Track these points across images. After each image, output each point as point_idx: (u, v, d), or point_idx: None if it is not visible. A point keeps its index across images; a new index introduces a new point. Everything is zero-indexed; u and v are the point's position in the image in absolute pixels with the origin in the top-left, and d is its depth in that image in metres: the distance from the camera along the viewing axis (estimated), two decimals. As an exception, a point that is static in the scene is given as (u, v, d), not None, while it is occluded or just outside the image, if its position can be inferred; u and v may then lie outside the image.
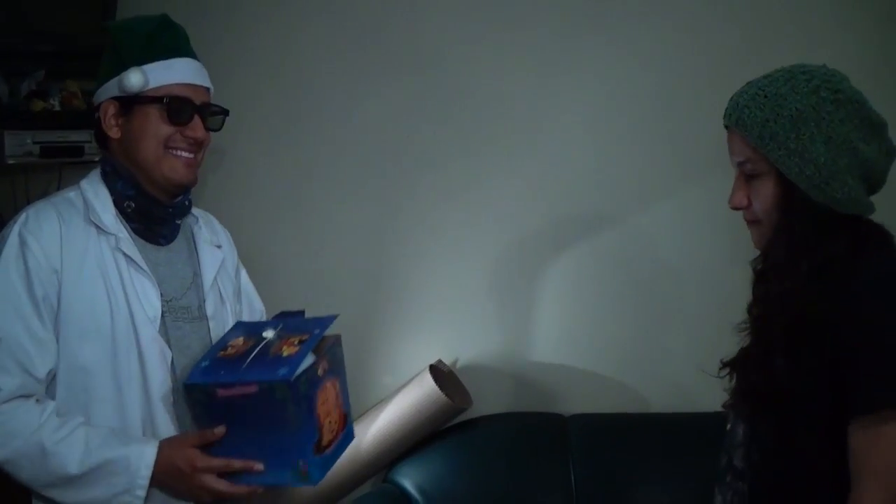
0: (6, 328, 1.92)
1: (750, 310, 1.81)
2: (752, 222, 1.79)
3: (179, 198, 2.14)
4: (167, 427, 2.00)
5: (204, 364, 1.89)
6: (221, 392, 1.81)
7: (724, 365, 1.86)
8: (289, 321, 2.01)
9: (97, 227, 2.03)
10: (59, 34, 2.96)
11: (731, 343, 1.83)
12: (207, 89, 2.12)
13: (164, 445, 1.94)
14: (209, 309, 2.17)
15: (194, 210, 2.25)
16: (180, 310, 2.12)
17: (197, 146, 2.09)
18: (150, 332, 2.03)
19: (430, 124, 3.29)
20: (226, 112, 2.17)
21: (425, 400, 3.02)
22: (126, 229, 2.07)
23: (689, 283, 3.18)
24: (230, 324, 2.22)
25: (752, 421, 1.76)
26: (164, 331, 2.06)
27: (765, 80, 1.73)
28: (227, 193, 3.33)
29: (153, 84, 2.03)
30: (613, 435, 3.08)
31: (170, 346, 2.06)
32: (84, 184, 2.10)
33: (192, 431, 1.97)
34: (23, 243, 1.95)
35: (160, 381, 2.00)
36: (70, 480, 1.92)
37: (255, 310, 2.40)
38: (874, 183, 1.72)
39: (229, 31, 3.32)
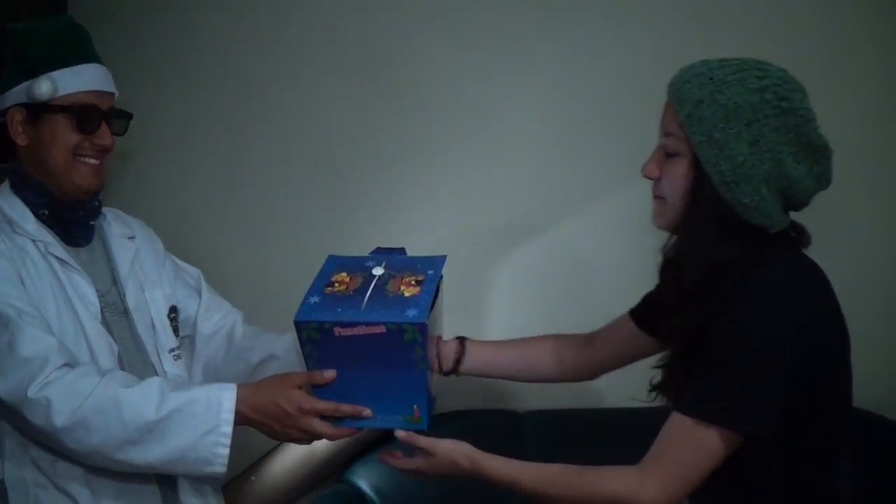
0: (18, 303, 1.94)
1: (665, 310, 1.84)
2: (658, 198, 1.79)
3: (89, 201, 2.17)
4: None
5: (313, 300, 1.84)
6: (340, 331, 1.77)
7: (653, 388, 1.89)
8: (392, 258, 1.99)
9: (22, 236, 2.05)
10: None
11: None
12: (112, 94, 2.15)
13: (266, 384, 1.95)
14: (130, 302, 2.21)
15: (102, 209, 2.27)
16: (111, 305, 2.16)
17: (104, 152, 2.12)
18: (95, 327, 2.07)
19: (378, 122, 3.28)
20: (130, 116, 2.20)
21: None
22: (50, 234, 2.09)
23: (642, 279, 3.19)
24: (162, 309, 2.28)
25: None
26: (107, 325, 2.11)
27: (719, 62, 1.71)
28: (172, 196, 3.33)
29: (62, 92, 2.05)
30: (569, 431, 3.10)
31: (115, 340, 2.10)
32: None
33: (299, 372, 1.97)
34: None
35: None
36: (149, 429, 1.89)
37: (192, 277, 2.46)
38: (795, 203, 1.72)
39: (175, 30, 3.32)
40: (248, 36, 3.32)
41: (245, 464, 3.10)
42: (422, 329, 1.75)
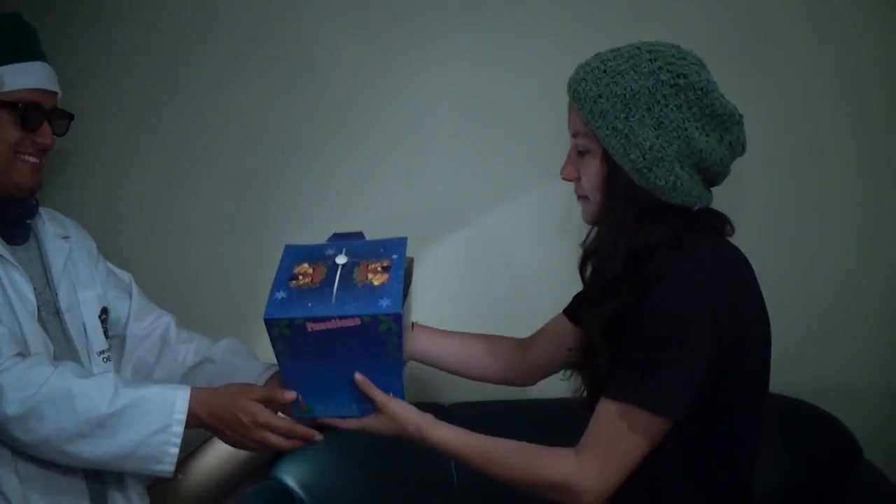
0: None
1: (584, 299, 1.87)
2: (581, 198, 1.80)
3: (27, 199, 2.13)
4: None
5: (279, 295, 1.79)
6: (312, 326, 1.73)
7: (567, 369, 1.94)
8: (351, 243, 1.93)
9: None
10: None
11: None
12: (56, 94, 2.12)
13: (225, 392, 1.95)
14: (62, 302, 2.17)
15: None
16: (46, 304, 2.14)
17: (44, 151, 2.09)
18: (33, 326, 2.04)
19: (299, 117, 3.27)
20: (71, 116, 2.17)
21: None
22: None
23: (561, 271, 3.22)
24: (94, 311, 2.24)
25: None
26: (43, 325, 2.08)
27: (611, 53, 1.71)
28: (97, 194, 3.29)
29: (7, 88, 2.01)
30: (494, 422, 3.04)
31: (50, 340, 2.08)
32: None
33: (259, 386, 2.01)
34: None
35: None
36: (101, 423, 1.88)
37: (122, 279, 2.42)
38: (713, 175, 1.73)
39: (98, 30, 3.26)
40: (178, 38, 3.28)
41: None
42: (397, 319, 1.72)
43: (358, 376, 1.80)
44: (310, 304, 1.75)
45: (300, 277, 1.82)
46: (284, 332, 1.75)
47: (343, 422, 1.88)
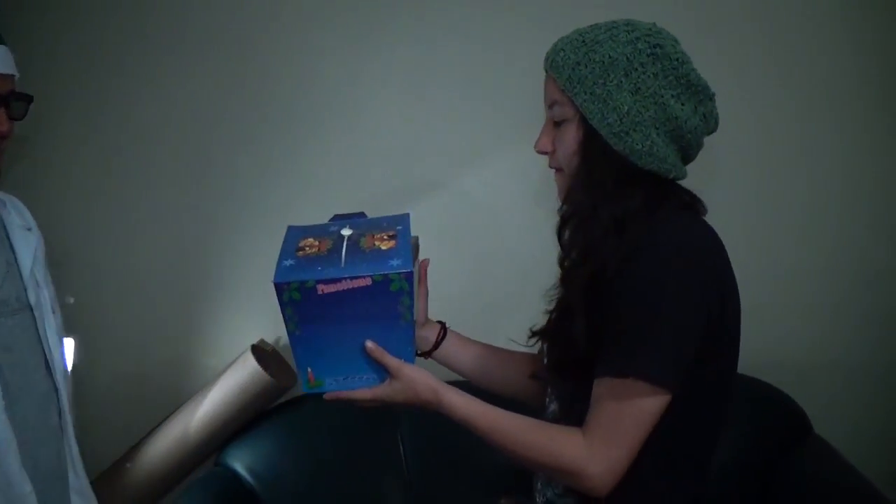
0: None
1: (561, 262, 1.82)
2: (556, 170, 1.79)
3: None
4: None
5: (288, 263, 1.74)
6: (323, 288, 1.69)
7: (534, 334, 1.89)
8: (354, 221, 1.90)
9: None
10: None
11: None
12: (12, 76, 1.98)
13: None
14: (31, 297, 2.08)
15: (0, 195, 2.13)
16: (10, 299, 2.02)
17: (1, 139, 1.96)
18: None
19: (242, 103, 3.24)
20: (30, 99, 2.01)
21: (249, 380, 2.99)
22: None
23: (518, 248, 3.27)
24: (51, 310, 2.13)
25: (562, 397, 1.79)
26: None
27: (589, 28, 1.73)
28: (34, 182, 3.22)
29: None
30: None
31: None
32: None
33: None
34: None
35: None
36: None
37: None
38: (686, 144, 1.73)
39: (40, 17, 3.21)
40: (117, 23, 3.26)
41: (121, 451, 3.07)
42: (408, 277, 1.69)
43: (369, 344, 1.76)
44: (319, 268, 1.71)
45: (307, 248, 1.79)
46: (295, 297, 1.71)
47: (354, 393, 1.82)
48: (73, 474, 2.15)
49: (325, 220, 1.96)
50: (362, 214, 1.97)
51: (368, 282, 1.68)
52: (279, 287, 1.70)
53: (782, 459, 2.94)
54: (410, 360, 1.80)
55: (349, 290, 1.69)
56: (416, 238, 1.94)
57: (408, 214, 1.90)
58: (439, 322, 2.08)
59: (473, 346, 2.10)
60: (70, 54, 3.25)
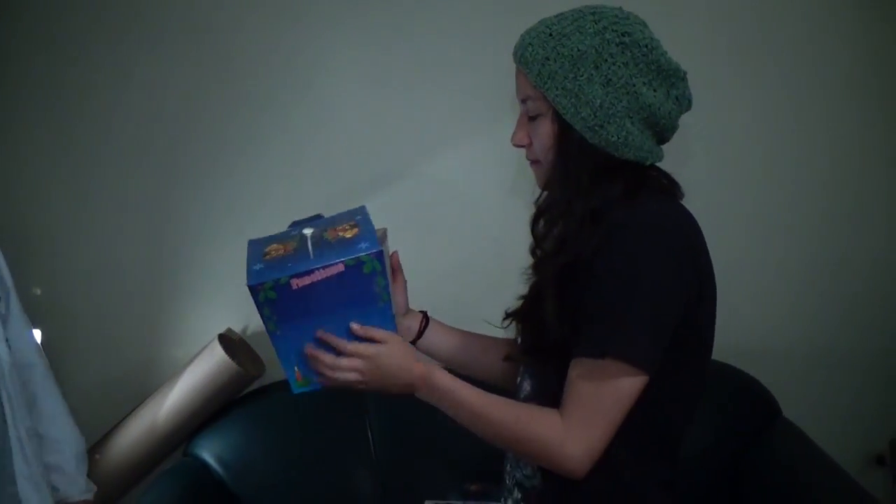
0: None
1: (533, 252, 1.81)
2: (534, 162, 1.79)
3: None
4: None
5: (257, 266, 1.73)
6: (297, 282, 1.67)
7: (507, 315, 1.88)
8: (313, 222, 1.88)
9: None
10: None
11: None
12: None
13: None
14: None
15: None
16: None
17: None
18: None
19: (209, 93, 3.22)
20: None
21: (216, 370, 2.97)
22: None
23: (486, 227, 3.27)
24: None
25: (536, 376, 1.77)
26: None
27: (555, 18, 1.71)
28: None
29: None
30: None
31: None
32: None
33: None
34: None
35: None
36: None
37: (5, 279, 2.30)
38: (662, 129, 1.73)
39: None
40: (68, 12, 3.22)
41: (89, 442, 3.04)
42: (379, 257, 1.68)
43: (354, 325, 1.73)
44: (290, 265, 1.71)
45: (272, 252, 1.78)
46: (271, 296, 1.70)
47: (342, 344, 1.75)
48: (21, 462, 2.14)
49: (287, 223, 1.94)
50: (319, 216, 1.96)
51: (341, 268, 1.67)
52: (254, 289, 1.69)
53: (752, 442, 2.96)
54: None
55: (324, 279, 1.68)
56: (385, 230, 1.92)
57: (363, 207, 1.90)
58: (421, 311, 2.07)
59: (456, 334, 2.09)
60: (28, 40, 3.21)
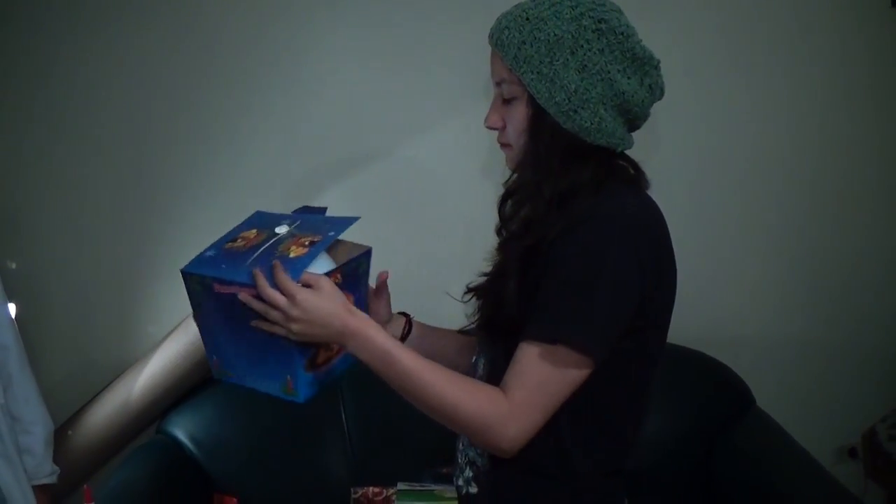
0: None
1: (499, 231, 1.81)
2: (505, 145, 1.78)
3: None
4: None
5: (209, 253, 1.72)
6: (218, 287, 1.66)
7: (469, 290, 1.86)
8: (308, 217, 1.84)
9: None
10: None
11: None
12: None
13: None
14: None
15: None
16: None
17: None
18: None
19: (185, 70, 3.19)
20: None
21: (190, 347, 2.95)
22: None
23: (454, 209, 3.28)
24: None
25: (491, 352, 1.76)
26: None
27: (531, 2, 1.70)
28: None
29: None
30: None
31: None
32: None
33: None
34: None
35: None
36: None
37: None
38: (634, 117, 1.73)
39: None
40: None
41: (62, 418, 3.03)
42: (367, 257, 1.68)
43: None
44: (224, 266, 1.68)
45: (240, 240, 1.76)
46: (196, 288, 1.70)
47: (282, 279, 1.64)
48: None
49: (254, 206, 1.94)
50: (323, 210, 1.94)
51: (253, 291, 1.63)
52: (184, 276, 1.70)
53: (725, 431, 2.98)
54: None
55: (239, 294, 1.65)
56: (367, 251, 1.83)
57: (355, 218, 1.81)
58: (403, 314, 2.03)
59: (439, 334, 2.07)
60: (11, 21, 3.17)
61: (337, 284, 1.67)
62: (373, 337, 1.63)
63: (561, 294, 1.59)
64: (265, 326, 1.65)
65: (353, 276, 1.79)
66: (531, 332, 1.60)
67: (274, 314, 1.62)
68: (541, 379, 1.59)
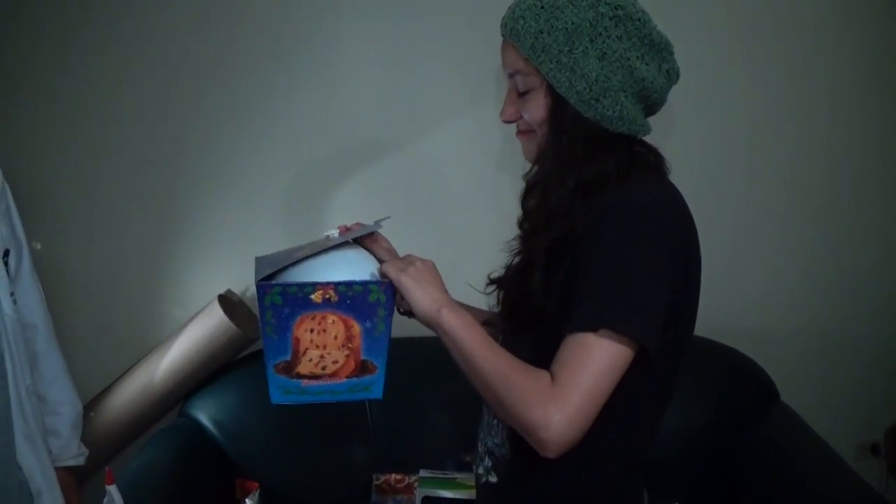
0: None
1: (521, 224, 1.81)
2: (524, 133, 1.77)
3: None
4: None
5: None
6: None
7: (491, 282, 1.86)
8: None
9: None
10: None
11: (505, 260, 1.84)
12: None
13: None
14: None
15: None
16: None
17: None
18: None
19: (211, 49, 3.17)
20: None
21: (215, 331, 2.96)
22: None
23: (470, 202, 3.27)
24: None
25: (510, 341, 1.72)
26: None
27: None
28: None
29: None
30: (407, 355, 3.06)
31: None
32: None
33: None
34: None
35: None
36: None
37: (18, 233, 2.30)
38: (652, 103, 1.73)
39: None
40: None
41: (85, 400, 3.04)
42: (259, 289, 1.66)
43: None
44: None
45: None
46: (277, 301, 1.68)
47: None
48: (20, 419, 2.13)
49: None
50: (378, 225, 1.96)
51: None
52: (261, 288, 1.68)
53: (748, 425, 2.96)
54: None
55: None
56: (386, 285, 1.75)
57: (388, 283, 1.75)
58: None
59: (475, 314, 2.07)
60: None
61: (330, 303, 1.69)
62: (455, 312, 1.65)
63: (599, 282, 1.57)
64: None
65: (363, 305, 1.74)
66: (573, 324, 1.56)
67: (398, 260, 1.75)
68: (586, 373, 1.52)
